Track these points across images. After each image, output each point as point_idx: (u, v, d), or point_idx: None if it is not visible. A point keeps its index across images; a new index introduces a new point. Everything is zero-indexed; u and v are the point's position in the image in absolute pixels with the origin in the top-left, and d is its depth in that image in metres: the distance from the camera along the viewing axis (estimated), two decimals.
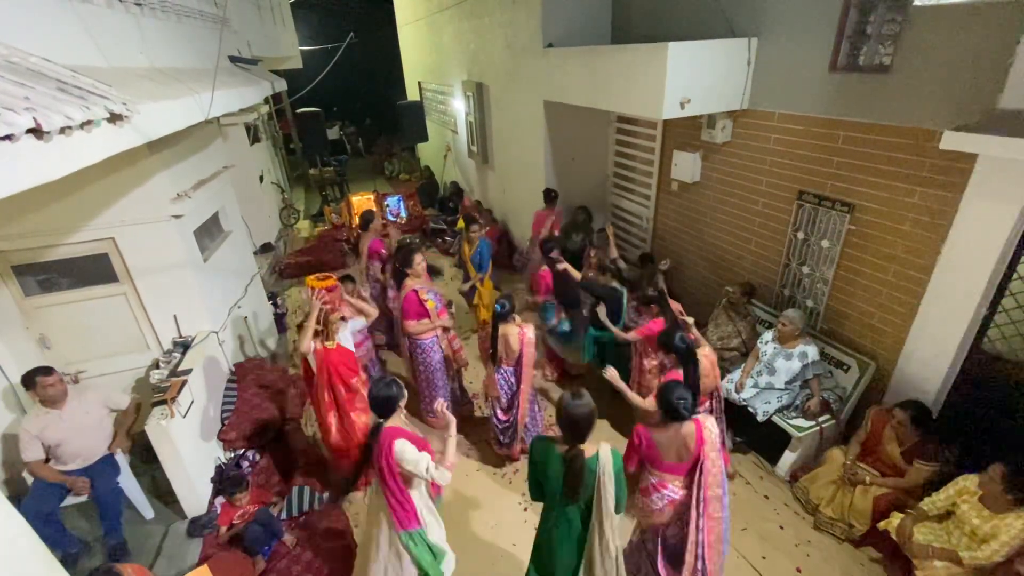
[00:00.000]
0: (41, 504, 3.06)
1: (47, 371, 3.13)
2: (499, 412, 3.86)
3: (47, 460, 3.20)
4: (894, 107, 3.17)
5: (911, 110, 3.08)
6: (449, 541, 2.78)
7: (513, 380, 3.73)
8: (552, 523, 2.36)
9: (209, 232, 4.46)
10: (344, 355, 3.47)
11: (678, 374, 2.97)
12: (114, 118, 2.15)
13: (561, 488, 2.22)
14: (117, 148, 2.20)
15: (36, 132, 1.65)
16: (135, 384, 3.92)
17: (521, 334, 3.58)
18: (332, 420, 3.52)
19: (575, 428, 2.18)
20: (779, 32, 3.80)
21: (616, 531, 2.25)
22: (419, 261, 4.03)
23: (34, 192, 1.70)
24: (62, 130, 1.77)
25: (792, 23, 3.69)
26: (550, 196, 5.86)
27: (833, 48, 3.44)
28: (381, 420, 2.51)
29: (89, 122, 1.95)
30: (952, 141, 2.61)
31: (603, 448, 2.21)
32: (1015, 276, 2.93)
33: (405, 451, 2.39)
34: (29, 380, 3.10)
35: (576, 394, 2.21)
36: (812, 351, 3.63)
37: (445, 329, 4.18)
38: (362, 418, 3.55)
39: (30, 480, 3.26)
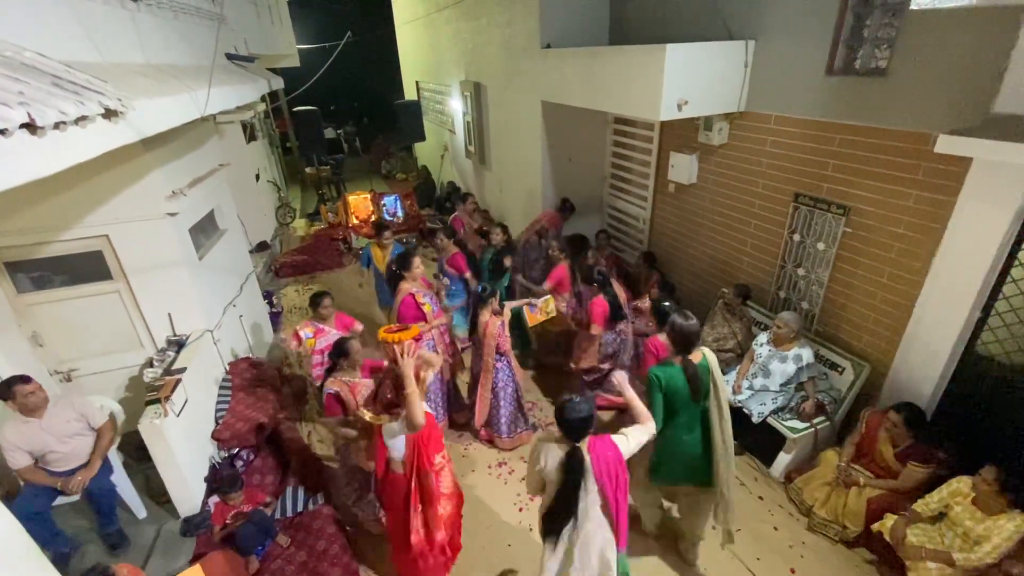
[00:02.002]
0: (33, 503, 3.02)
1: (25, 380, 3.00)
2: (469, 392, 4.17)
3: (37, 462, 3.12)
4: (890, 110, 3.19)
5: (907, 114, 3.10)
6: None
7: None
8: (681, 431, 2.75)
9: (204, 230, 4.43)
10: (431, 425, 2.61)
11: (659, 342, 3.21)
12: (109, 114, 2.13)
13: (688, 392, 2.65)
14: (112, 144, 2.19)
15: (30, 127, 1.63)
16: (128, 382, 3.89)
17: (486, 323, 3.81)
18: (417, 522, 2.63)
19: (686, 342, 2.68)
20: (776, 35, 3.81)
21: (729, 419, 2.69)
22: (417, 264, 4.04)
23: (27, 188, 1.68)
24: (56, 125, 1.76)
25: (789, 26, 3.71)
26: (566, 206, 5.95)
27: (830, 51, 3.46)
28: (576, 444, 2.21)
29: (84, 117, 1.93)
30: (947, 145, 2.63)
31: (706, 352, 2.70)
32: (1008, 279, 2.95)
33: (628, 444, 2.27)
34: (5, 390, 2.95)
35: (684, 315, 2.68)
36: (807, 354, 3.65)
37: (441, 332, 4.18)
38: (448, 507, 2.77)
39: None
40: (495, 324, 3.80)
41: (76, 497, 3.17)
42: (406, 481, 2.57)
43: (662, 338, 3.15)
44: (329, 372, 3.19)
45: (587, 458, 2.19)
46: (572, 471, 2.18)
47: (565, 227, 5.97)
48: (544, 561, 2.34)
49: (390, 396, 2.46)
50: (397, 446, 2.53)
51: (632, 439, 2.31)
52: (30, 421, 3.04)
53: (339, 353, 3.12)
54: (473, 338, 4.07)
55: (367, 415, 2.51)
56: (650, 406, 2.58)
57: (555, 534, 2.28)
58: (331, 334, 3.87)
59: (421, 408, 2.39)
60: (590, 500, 2.21)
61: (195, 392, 3.60)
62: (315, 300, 4.02)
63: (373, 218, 9.05)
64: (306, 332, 3.88)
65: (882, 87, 3.20)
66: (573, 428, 2.19)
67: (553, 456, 2.23)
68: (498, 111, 7.37)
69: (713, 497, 2.83)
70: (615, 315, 4.00)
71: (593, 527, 2.24)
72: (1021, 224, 2.77)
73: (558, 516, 2.27)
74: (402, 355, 2.36)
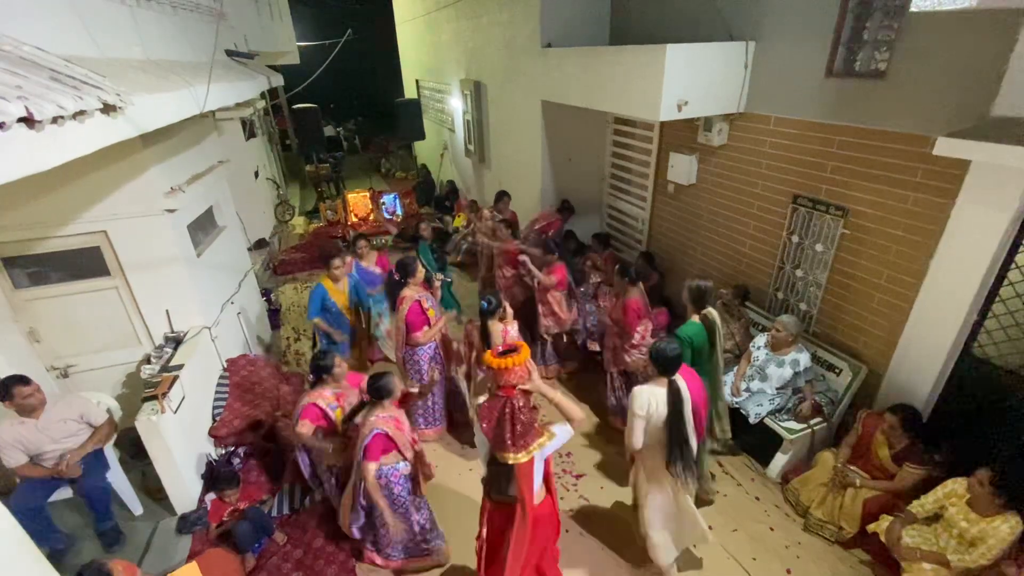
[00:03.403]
0: (28, 499, 3.02)
1: (24, 381, 3.00)
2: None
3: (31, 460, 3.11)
4: (889, 113, 3.19)
5: (905, 116, 3.11)
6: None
7: None
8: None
9: (203, 227, 4.42)
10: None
11: (637, 303, 3.79)
12: (108, 109, 2.13)
13: (708, 345, 3.27)
14: (110, 139, 2.18)
15: (28, 121, 1.63)
16: (125, 379, 3.88)
17: (504, 332, 3.61)
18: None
19: (702, 299, 3.29)
20: (776, 36, 3.82)
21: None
22: (420, 269, 4.00)
23: (25, 183, 1.68)
24: (54, 120, 1.76)
25: (789, 28, 3.71)
26: (565, 207, 5.97)
27: (829, 53, 3.46)
28: (673, 377, 2.62)
29: (82, 112, 1.93)
30: (945, 147, 2.63)
31: (711, 309, 3.25)
32: (1006, 282, 2.96)
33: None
34: (4, 391, 2.94)
35: (701, 277, 3.33)
36: (804, 358, 3.66)
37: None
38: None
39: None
40: (512, 331, 3.59)
41: (69, 494, 3.17)
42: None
43: (636, 296, 3.83)
44: (313, 386, 3.17)
45: (683, 386, 2.60)
46: (677, 400, 2.57)
47: (564, 228, 5.97)
48: (669, 486, 2.76)
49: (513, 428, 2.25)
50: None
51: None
52: (26, 422, 3.04)
53: (324, 369, 3.10)
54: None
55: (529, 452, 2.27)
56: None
57: (672, 460, 2.63)
58: (351, 394, 3.27)
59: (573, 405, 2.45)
60: (687, 421, 2.61)
61: (192, 389, 3.60)
62: (324, 364, 3.11)
63: (372, 216, 9.04)
64: (330, 404, 3.13)
65: (881, 89, 3.21)
66: (671, 364, 2.61)
67: (656, 395, 2.61)
68: (498, 110, 7.37)
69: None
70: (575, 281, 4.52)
71: (692, 441, 2.68)
72: (1019, 227, 2.77)
73: (674, 443, 2.63)
74: (529, 376, 2.30)
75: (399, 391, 2.91)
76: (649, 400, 2.60)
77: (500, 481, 2.33)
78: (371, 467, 2.71)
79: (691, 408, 2.63)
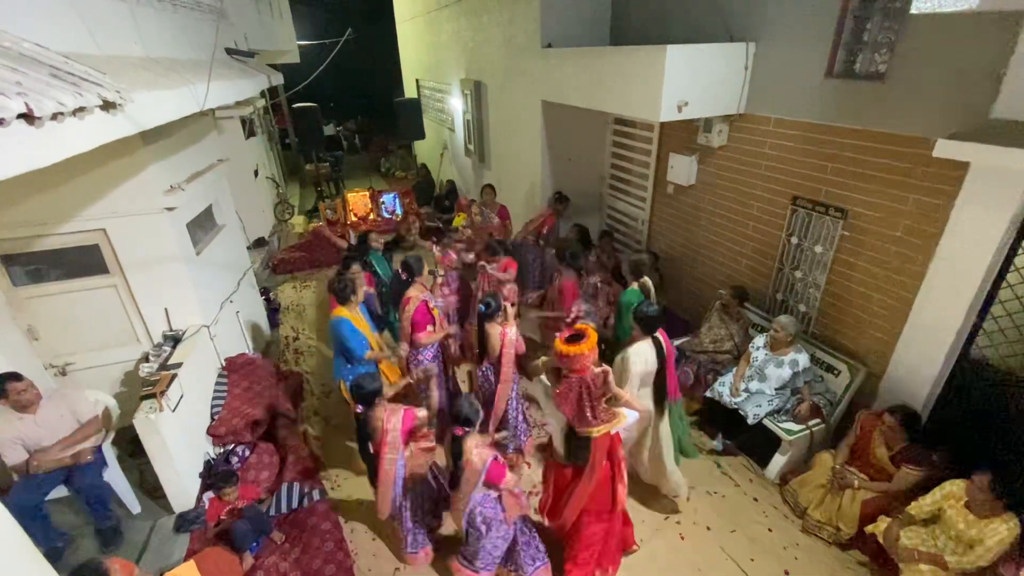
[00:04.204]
0: (26, 497, 3.01)
1: (17, 377, 3.04)
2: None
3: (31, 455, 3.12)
4: (888, 114, 3.20)
5: (905, 118, 3.11)
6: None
7: (492, 378, 3.75)
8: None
9: (202, 225, 4.42)
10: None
11: (570, 284, 4.26)
12: (107, 106, 2.12)
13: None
14: (110, 136, 2.18)
15: (27, 117, 1.62)
16: (124, 377, 3.88)
17: (503, 334, 3.60)
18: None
19: (637, 272, 3.98)
20: (777, 38, 3.82)
21: None
22: (425, 268, 3.98)
23: (24, 179, 1.67)
24: (54, 116, 1.75)
25: (789, 29, 3.72)
26: (558, 198, 5.85)
27: (829, 55, 3.47)
28: (655, 335, 3.11)
29: (82, 109, 1.92)
30: (945, 149, 2.64)
31: (645, 280, 3.95)
32: (1004, 284, 2.96)
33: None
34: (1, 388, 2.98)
35: (636, 252, 3.55)
36: (803, 359, 3.66)
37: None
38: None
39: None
40: (511, 333, 3.60)
41: (66, 492, 3.17)
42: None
43: (572, 279, 4.35)
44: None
45: (663, 343, 3.10)
46: (661, 355, 3.06)
47: (561, 221, 5.94)
48: (658, 426, 3.23)
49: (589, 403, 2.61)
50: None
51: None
52: (24, 417, 3.06)
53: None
54: (484, 364, 3.77)
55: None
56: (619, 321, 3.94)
57: (660, 404, 3.18)
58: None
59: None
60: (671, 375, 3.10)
61: (191, 387, 3.59)
62: (372, 389, 2.95)
63: (371, 215, 9.02)
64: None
65: (881, 91, 3.21)
66: (654, 322, 3.06)
67: (645, 350, 3.07)
68: (498, 110, 7.37)
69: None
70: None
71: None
72: (1017, 229, 2.78)
73: (660, 391, 3.17)
74: (606, 381, 2.65)
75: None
76: (644, 355, 3.07)
77: (579, 451, 2.71)
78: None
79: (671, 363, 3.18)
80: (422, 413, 3.02)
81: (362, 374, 3.12)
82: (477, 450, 2.67)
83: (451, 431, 2.77)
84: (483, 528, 2.76)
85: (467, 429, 2.72)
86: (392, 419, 2.89)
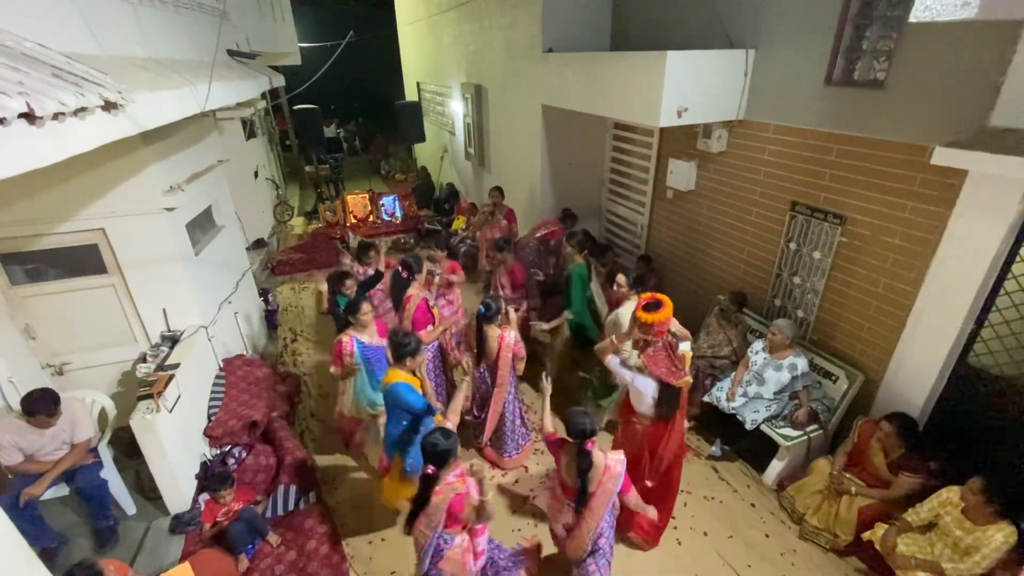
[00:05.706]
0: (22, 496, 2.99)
1: (54, 403, 3.04)
2: (474, 409, 3.98)
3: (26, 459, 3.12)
4: (887, 122, 3.21)
5: (904, 125, 3.13)
6: None
7: (489, 380, 3.75)
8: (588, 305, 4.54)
9: (201, 226, 4.42)
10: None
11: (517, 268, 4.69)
12: (108, 106, 2.13)
13: (587, 275, 4.58)
14: (111, 136, 2.18)
15: (28, 117, 1.62)
16: (121, 377, 3.86)
17: (500, 336, 3.60)
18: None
19: (583, 246, 4.56)
20: (776, 45, 3.84)
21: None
22: (426, 267, 3.99)
23: (24, 179, 1.68)
24: (55, 116, 1.75)
25: (789, 36, 3.74)
26: (567, 214, 5.84)
27: (829, 62, 3.48)
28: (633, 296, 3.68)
29: (83, 109, 1.92)
30: (943, 157, 2.65)
31: (585, 253, 4.61)
32: (1002, 291, 2.97)
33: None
34: (32, 410, 2.97)
35: (586, 232, 4.70)
36: (802, 363, 3.66)
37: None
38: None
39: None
40: (510, 336, 3.59)
41: (66, 491, 3.15)
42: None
43: (516, 264, 4.86)
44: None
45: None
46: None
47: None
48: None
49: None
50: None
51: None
52: (34, 430, 3.07)
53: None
54: (481, 365, 3.78)
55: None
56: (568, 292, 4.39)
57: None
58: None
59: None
60: None
61: (188, 388, 3.59)
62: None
63: (371, 217, 9.02)
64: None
65: (880, 99, 3.23)
66: (640, 282, 3.80)
67: (624, 313, 3.64)
68: (498, 114, 7.39)
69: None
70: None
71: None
72: (1015, 237, 2.79)
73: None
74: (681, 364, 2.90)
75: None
76: (621, 318, 3.60)
77: (672, 403, 2.95)
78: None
79: None
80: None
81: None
82: (447, 485, 2.37)
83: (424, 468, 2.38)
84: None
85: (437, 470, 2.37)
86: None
